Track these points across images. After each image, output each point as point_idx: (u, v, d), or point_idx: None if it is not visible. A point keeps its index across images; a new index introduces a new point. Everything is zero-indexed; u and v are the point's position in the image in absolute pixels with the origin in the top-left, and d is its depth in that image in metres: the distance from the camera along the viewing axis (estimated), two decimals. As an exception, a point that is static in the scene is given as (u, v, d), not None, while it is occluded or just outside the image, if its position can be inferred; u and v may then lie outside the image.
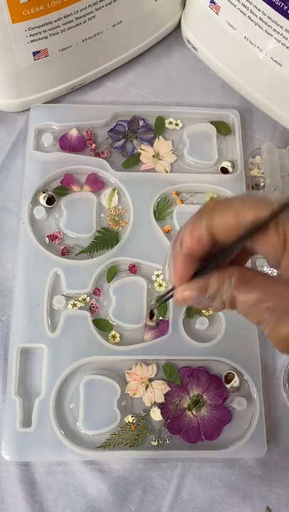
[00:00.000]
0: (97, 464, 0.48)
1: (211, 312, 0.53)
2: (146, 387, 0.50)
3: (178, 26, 0.66)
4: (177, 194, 0.58)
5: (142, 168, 0.59)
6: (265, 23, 0.51)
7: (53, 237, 0.54)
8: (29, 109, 0.60)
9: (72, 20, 0.52)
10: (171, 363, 0.51)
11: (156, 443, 0.48)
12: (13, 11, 0.48)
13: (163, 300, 0.38)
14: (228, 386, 0.50)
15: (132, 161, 0.59)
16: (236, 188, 0.58)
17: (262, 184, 0.58)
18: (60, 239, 0.55)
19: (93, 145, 0.59)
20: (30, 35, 0.51)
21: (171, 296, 0.35)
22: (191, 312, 0.53)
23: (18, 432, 0.47)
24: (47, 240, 0.55)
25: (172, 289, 0.34)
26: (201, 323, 0.52)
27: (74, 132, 0.59)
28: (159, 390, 0.50)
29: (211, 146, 0.60)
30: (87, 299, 0.53)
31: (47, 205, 0.55)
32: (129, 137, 0.60)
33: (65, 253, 0.54)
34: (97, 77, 0.63)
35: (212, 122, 0.61)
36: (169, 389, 0.50)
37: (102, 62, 0.62)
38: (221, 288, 0.32)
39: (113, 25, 0.57)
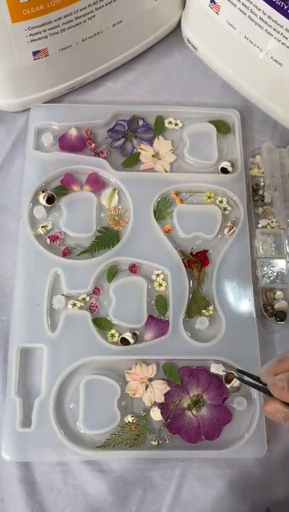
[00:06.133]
0: (97, 464, 0.48)
1: (211, 312, 0.53)
2: (146, 387, 0.50)
3: (178, 26, 0.65)
4: (176, 194, 0.58)
5: (142, 167, 0.59)
6: (266, 22, 0.51)
7: (54, 238, 0.54)
8: (29, 108, 0.60)
9: (72, 20, 0.52)
10: (171, 363, 0.51)
11: (156, 443, 0.48)
12: (12, 10, 0.48)
13: (243, 380, 0.45)
14: (228, 386, 0.50)
15: (132, 161, 0.59)
16: (236, 188, 0.58)
17: (262, 184, 0.58)
18: (62, 239, 0.55)
19: (93, 144, 0.59)
20: (30, 34, 0.51)
21: (254, 385, 0.43)
22: (191, 312, 0.53)
23: (18, 432, 0.47)
24: (48, 240, 0.55)
25: (260, 381, 0.42)
26: (201, 323, 0.52)
27: (73, 132, 0.59)
28: (159, 390, 0.50)
29: (211, 146, 0.59)
30: (87, 298, 0.53)
31: (47, 205, 0.55)
32: (129, 137, 0.60)
33: (66, 253, 0.54)
34: (97, 76, 0.63)
35: (212, 122, 0.61)
36: (169, 389, 0.50)
37: (102, 62, 0.62)
38: None
39: (113, 25, 0.57)
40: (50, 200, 0.55)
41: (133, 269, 0.54)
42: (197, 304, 0.53)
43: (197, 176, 0.58)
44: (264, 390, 0.41)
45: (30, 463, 0.48)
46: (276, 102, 0.60)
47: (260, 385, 0.42)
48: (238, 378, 0.47)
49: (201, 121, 0.61)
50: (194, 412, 0.49)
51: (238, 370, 0.47)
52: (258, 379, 0.43)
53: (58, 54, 0.55)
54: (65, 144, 0.59)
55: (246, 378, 0.45)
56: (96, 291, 0.53)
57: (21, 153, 0.59)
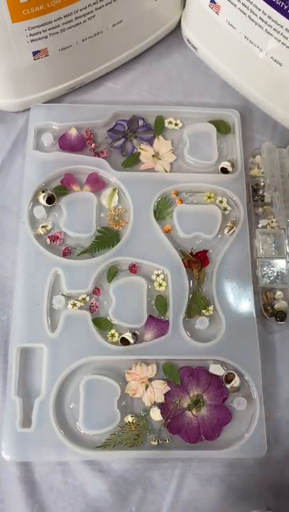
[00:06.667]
0: (97, 464, 0.48)
1: (211, 312, 0.53)
2: (146, 387, 0.50)
3: (178, 26, 0.65)
4: (176, 194, 0.58)
5: (142, 167, 0.59)
6: (266, 22, 0.51)
7: (54, 238, 0.54)
8: (29, 108, 0.60)
9: (72, 20, 0.52)
10: (171, 363, 0.51)
11: (156, 443, 0.48)
12: (12, 10, 0.48)
13: None
14: (228, 386, 0.50)
15: (132, 161, 0.59)
16: (236, 188, 0.58)
17: (262, 184, 0.58)
18: (62, 239, 0.55)
19: (93, 144, 0.59)
20: (30, 34, 0.51)
21: None
22: (191, 312, 0.53)
23: (18, 432, 0.47)
24: (48, 240, 0.55)
25: None
26: (201, 323, 0.52)
27: (73, 132, 0.59)
28: (159, 390, 0.50)
29: (211, 146, 0.59)
30: (87, 298, 0.53)
31: (47, 205, 0.55)
32: (129, 137, 0.60)
33: (66, 253, 0.54)
34: (97, 76, 0.63)
35: (212, 122, 0.61)
36: (169, 389, 0.50)
37: (102, 62, 0.62)
38: None
39: (113, 25, 0.57)
40: (50, 200, 0.55)
41: (133, 269, 0.54)
42: (197, 304, 0.53)
43: (197, 175, 0.58)
44: None
45: (30, 463, 0.48)
46: (276, 102, 0.60)
47: None
48: None
49: (201, 121, 0.61)
50: (194, 412, 0.49)
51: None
52: None
53: (58, 54, 0.55)
54: (65, 144, 0.59)
55: None
56: (96, 291, 0.53)
57: (21, 153, 0.59)
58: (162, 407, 0.49)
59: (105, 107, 0.61)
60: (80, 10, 0.52)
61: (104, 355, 0.50)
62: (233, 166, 0.59)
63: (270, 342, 0.53)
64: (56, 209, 0.56)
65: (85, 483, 0.48)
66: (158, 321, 0.52)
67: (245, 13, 0.53)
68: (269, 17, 0.51)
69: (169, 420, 0.49)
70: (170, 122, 0.61)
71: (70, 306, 0.52)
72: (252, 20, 0.53)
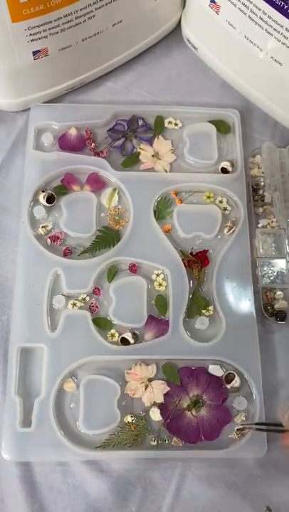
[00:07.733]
0: (97, 464, 0.48)
1: (211, 312, 0.53)
2: (146, 387, 0.50)
3: (178, 26, 0.65)
4: (176, 194, 0.58)
5: (142, 167, 0.59)
6: (266, 22, 0.51)
7: (54, 238, 0.54)
8: (29, 108, 0.60)
9: (72, 20, 0.52)
10: (171, 363, 0.51)
11: (155, 443, 0.48)
12: (12, 10, 0.48)
13: (264, 429, 0.48)
14: (228, 386, 0.50)
15: (132, 161, 0.59)
16: (236, 188, 0.58)
17: (262, 184, 0.58)
18: (62, 239, 0.55)
19: (92, 144, 0.59)
20: (30, 34, 0.51)
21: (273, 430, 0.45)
22: (191, 312, 0.53)
23: (18, 432, 0.47)
24: (48, 241, 0.54)
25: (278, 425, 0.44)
26: (201, 323, 0.52)
27: (73, 132, 0.59)
28: (158, 390, 0.50)
29: (211, 146, 0.59)
30: (87, 298, 0.53)
31: (47, 204, 0.55)
32: (129, 136, 0.60)
33: (67, 253, 0.54)
34: (97, 76, 0.63)
35: (212, 121, 0.61)
36: (169, 389, 0.50)
37: (102, 62, 0.62)
38: None
39: (113, 25, 0.57)
40: (50, 199, 0.55)
41: (133, 269, 0.54)
42: (197, 304, 0.53)
43: (197, 175, 0.58)
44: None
45: (30, 463, 0.48)
46: (276, 102, 0.60)
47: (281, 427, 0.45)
48: (258, 429, 0.48)
49: (201, 121, 0.61)
50: (194, 412, 0.49)
51: (256, 424, 0.48)
52: (275, 425, 0.45)
53: (58, 54, 0.55)
54: (65, 143, 0.59)
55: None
56: (96, 291, 0.53)
57: (21, 153, 0.59)
58: (162, 407, 0.49)
59: (105, 107, 0.61)
60: (80, 10, 0.52)
61: (104, 355, 0.50)
62: (233, 165, 0.59)
63: (270, 342, 0.53)
64: (56, 209, 0.56)
65: (85, 483, 0.48)
66: (158, 321, 0.52)
67: (245, 13, 0.53)
68: (269, 17, 0.51)
69: (168, 420, 0.49)
70: (170, 122, 0.61)
71: (70, 306, 0.52)
72: (252, 20, 0.53)
